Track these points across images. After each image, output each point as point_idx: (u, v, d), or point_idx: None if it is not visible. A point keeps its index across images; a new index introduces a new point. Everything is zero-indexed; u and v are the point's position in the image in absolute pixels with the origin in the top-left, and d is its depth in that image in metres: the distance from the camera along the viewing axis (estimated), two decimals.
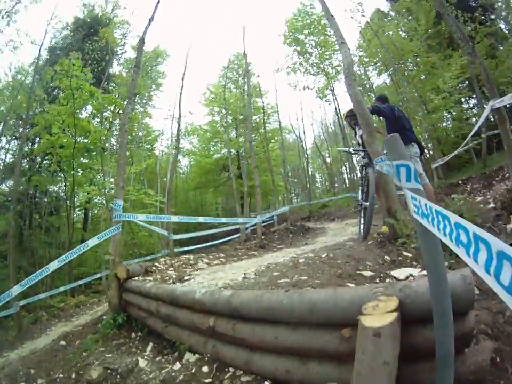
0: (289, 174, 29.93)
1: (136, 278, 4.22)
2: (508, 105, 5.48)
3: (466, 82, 14.78)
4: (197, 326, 2.39)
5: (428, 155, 14.75)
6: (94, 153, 11.05)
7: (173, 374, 2.35)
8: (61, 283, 9.11)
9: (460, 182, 10.10)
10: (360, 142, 4.92)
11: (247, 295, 2.04)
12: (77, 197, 13.08)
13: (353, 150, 5.44)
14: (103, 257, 9.28)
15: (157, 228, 8.23)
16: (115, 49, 18.41)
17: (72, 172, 10.38)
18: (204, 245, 9.91)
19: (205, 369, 2.18)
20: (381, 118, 5.46)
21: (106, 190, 10.64)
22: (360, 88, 20.76)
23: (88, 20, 17.98)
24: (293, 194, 31.24)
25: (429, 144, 15.40)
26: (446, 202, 3.49)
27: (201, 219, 8.87)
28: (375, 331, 1.23)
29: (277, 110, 22.37)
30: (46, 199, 12.94)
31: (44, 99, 11.28)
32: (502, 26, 16.04)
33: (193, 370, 2.25)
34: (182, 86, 15.00)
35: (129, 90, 6.25)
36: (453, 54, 14.02)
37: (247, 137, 15.76)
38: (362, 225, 4.64)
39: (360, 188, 5.22)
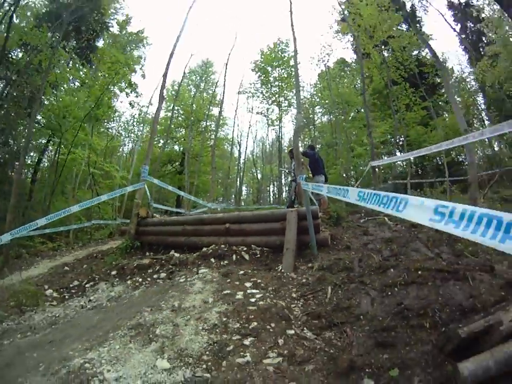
0: (219, 181, 33.38)
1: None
2: None
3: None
4: (216, 230, 5.49)
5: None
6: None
7: (204, 251, 5.31)
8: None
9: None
10: (293, 168, 8.55)
11: (246, 212, 5.34)
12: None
13: (288, 171, 9.22)
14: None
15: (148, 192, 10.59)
16: (106, 21, 20.03)
17: (76, 133, 12.36)
18: None
19: (222, 246, 5.24)
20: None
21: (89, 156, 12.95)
22: (305, 121, 25.68)
23: None
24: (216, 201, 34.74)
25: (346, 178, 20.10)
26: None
27: (182, 193, 11.97)
28: (292, 211, 4.70)
29: (233, 126, 27.01)
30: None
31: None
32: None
33: (216, 247, 5.25)
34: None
35: (159, 97, 8.95)
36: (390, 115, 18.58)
37: (212, 146, 19.03)
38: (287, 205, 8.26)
39: (289, 191, 9.37)
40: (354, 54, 25.72)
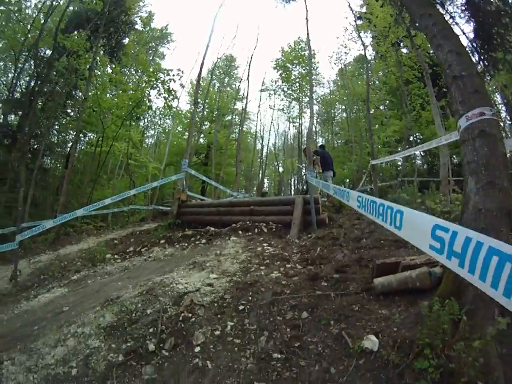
0: (242, 173, 35.16)
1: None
2: None
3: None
4: (243, 211, 7.36)
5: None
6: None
7: (233, 226, 7.18)
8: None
9: None
10: (306, 164, 10.29)
11: (266, 198, 7.28)
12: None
13: (303, 166, 11.03)
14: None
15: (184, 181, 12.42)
16: (131, 19, 21.50)
17: (119, 129, 14.63)
18: None
19: (248, 223, 7.09)
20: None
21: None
22: (326, 115, 27.02)
23: None
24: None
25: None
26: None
27: (214, 183, 13.70)
28: (299, 197, 6.55)
29: (256, 121, 29.68)
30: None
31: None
32: None
33: (243, 223, 7.12)
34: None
35: (194, 98, 10.81)
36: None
37: (237, 139, 20.92)
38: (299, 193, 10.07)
39: (302, 182, 10.85)
40: (373, 51, 26.80)
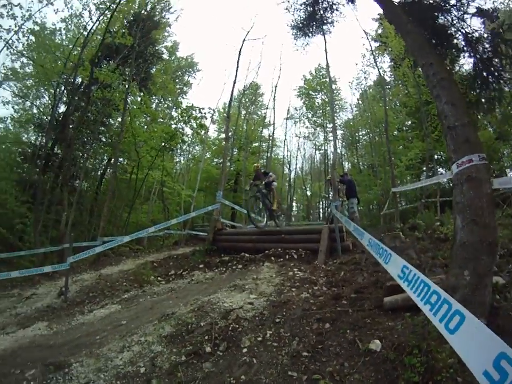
0: None
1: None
2: None
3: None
4: (275, 238, 8.40)
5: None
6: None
7: (266, 252, 8.21)
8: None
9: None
10: (331, 194, 11.26)
11: (295, 227, 8.20)
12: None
13: (327, 196, 12.04)
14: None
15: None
16: (158, 51, 23.25)
17: (153, 159, 16.46)
18: None
19: (280, 250, 8.11)
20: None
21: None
22: (351, 139, 27.83)
23: (145, 19, 19.47)
24: None
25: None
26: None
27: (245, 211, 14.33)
28: (325, 227, 7.56)
29: (282, 147, 30.67)
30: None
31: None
32: None
33: (275, 250, 8.14)
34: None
35: (225, 134, 12.13)
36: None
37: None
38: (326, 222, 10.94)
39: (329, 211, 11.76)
40: (391, 74, 27.36)
